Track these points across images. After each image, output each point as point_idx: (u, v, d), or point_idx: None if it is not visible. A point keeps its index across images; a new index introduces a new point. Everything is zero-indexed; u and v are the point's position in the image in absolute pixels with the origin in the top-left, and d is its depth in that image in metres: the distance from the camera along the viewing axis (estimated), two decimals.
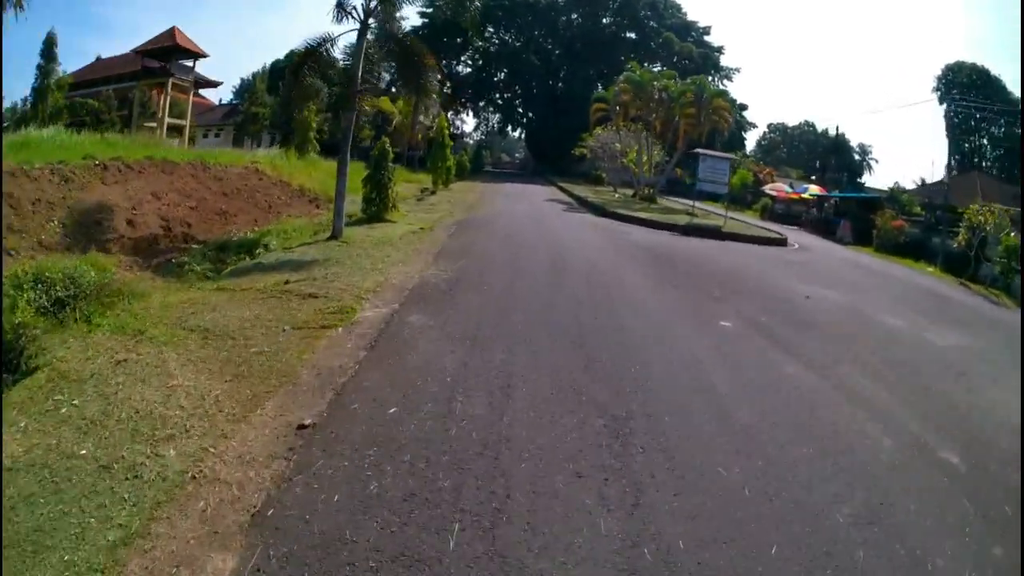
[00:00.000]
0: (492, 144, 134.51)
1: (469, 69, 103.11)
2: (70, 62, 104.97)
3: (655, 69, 60.58)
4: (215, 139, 71.81)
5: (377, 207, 24.09)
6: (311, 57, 19.31)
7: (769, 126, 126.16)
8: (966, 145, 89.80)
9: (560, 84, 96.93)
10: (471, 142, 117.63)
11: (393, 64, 20.61)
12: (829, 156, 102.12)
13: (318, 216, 24.92)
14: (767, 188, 59.58)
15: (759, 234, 31.72)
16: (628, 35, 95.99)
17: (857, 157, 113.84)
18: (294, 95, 20.82)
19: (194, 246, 18.72)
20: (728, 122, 48.66)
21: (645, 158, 51.81)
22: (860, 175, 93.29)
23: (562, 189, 55.60)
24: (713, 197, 43.59)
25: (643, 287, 15.10)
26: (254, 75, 78.61)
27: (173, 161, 22.77)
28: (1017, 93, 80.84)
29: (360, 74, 19.58)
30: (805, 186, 58.20)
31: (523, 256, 17.67)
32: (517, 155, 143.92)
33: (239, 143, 64.63)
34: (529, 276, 14.87)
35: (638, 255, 20.42)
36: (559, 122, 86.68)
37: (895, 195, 46.99)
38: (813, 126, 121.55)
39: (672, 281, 16.31)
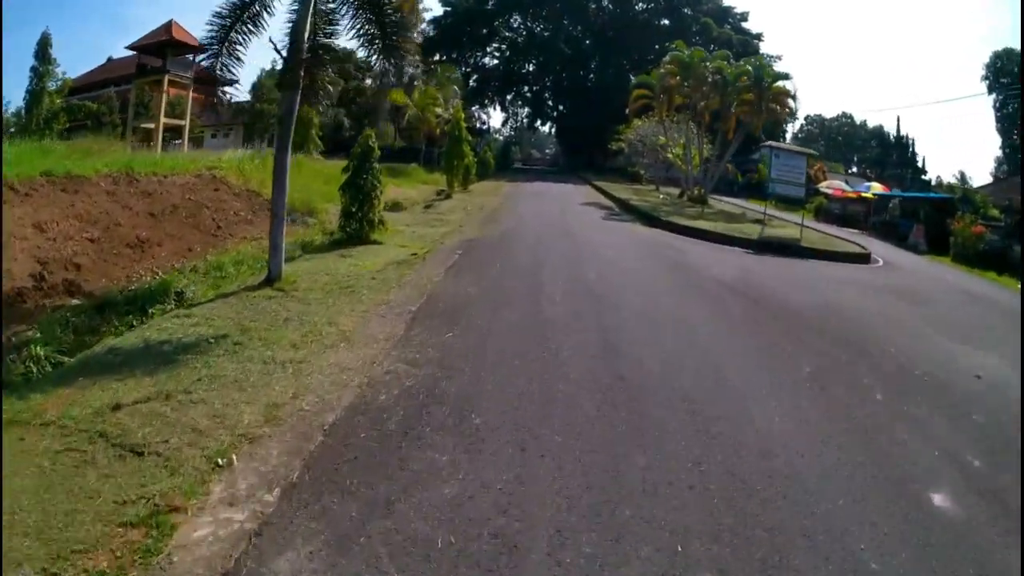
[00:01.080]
0: (522, 140, 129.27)
1: (496, 61, 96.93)
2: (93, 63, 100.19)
3: None
4: (224, 139, 65.64)
5: (358, 224, 17.92)
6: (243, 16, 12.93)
7: (806, 118, 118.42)
8: (1014, 136, 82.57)
9: (591, 75, 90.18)
10: (500, 138, 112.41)
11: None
12: (889, 151, 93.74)
13: (288, 235, 18.82)
14: (822, 186, 53.27)
15: (841, 248, 25.52)
16: (662, 22, 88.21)
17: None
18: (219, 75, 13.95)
19: (72, 302, 12.35)
20: (789, 110, 41.50)
21: (694, 152, 44.92)
22: (924, 172, 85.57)
23: (599, 189, 48.55)
24: (784, 199, 36.97)
25: (764, 387, 8.43)
26: (262, 70, 72.91)
27: (81, 176, 16.36)
28: None
29: (308, 35, 13.09)
30: (867, 184, 51.31)
31: (553, 314, 11.19)
32: (548, 151, 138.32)
33: (249, 142, 59.16)
34: (563, 370, 8.39)
35: (726, 299, 14.06)
36: (591, 115, 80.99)
37: (968, 195, 40.58)
38: (851, 118, 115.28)
39: (796, 360, 9.84)
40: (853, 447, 6.84)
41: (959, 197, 40.29)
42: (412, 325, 9.93)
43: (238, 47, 13.11)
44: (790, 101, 39.35)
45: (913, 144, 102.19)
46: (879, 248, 29.51)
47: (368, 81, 76.08)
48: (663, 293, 14.00)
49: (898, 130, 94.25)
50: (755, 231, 25.60)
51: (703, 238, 23.87)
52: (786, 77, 38.94)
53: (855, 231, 39.43)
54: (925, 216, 38.36)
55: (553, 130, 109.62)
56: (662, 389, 8.03)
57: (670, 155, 47.88)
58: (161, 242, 16.07)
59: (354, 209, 17.80)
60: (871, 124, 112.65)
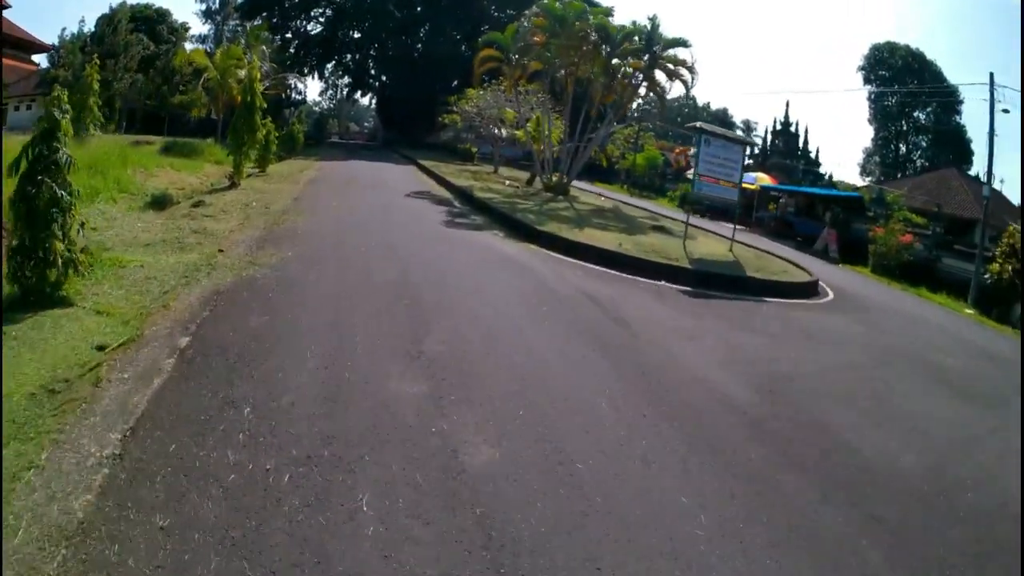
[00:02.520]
0: (340, 112, 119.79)
1: (320, 27, 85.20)
2: None
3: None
4: (27, 112, 53.26)
5: (38, 269, 8.12)
6: None
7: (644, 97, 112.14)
8: (892, 128, 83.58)
9: (419, 45, 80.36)
10: (317, 109, 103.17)
11: None
12: (775, 137, 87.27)
13: None
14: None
15: (789, 277, 18.07)
16: None
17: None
18: None
19: None
20: (686, 83, 33.17)
21: (553, 130, 35.91)
22: (819, 164, 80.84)
23: (428, 172, 38.20)
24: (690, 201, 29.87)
25: None
26: (63, 29, 62.04)
27: None
28: (951, 78, 78.68)
29: None
30: (752, 175, 44.24)
31: None
32: (367, 124, 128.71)
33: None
34: None
35: (804, 506, 5.57)
36: (417, 87, 72.81)
37: (881, 195, 35.26)
38: (693, 99, 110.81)
39: None
40: None
41: (873, 196, 34.81)
42: None
43: None
44: (685, 72, 30.91)
45: (807, 133, 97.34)
46: (797, 258, 24.07)
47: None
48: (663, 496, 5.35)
49: (786, 116, 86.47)
50: (673, 248, 17.80)
51: (611, 264, 15.40)
52: (684, 44, 30.42)
53: (740, 227, 33.27)
54: (833, 218, 33.07)
55: (374, 102, 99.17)
56: None
57: (519, 132, 39.04)
58: None
59: (27, 241, 8.10)
60: (714, 107, 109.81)
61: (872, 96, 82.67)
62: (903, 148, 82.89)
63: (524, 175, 40.78)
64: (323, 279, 10.69)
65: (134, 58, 54.38)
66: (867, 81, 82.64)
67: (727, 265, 17.24)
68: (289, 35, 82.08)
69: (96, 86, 30.11)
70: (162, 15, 66.39)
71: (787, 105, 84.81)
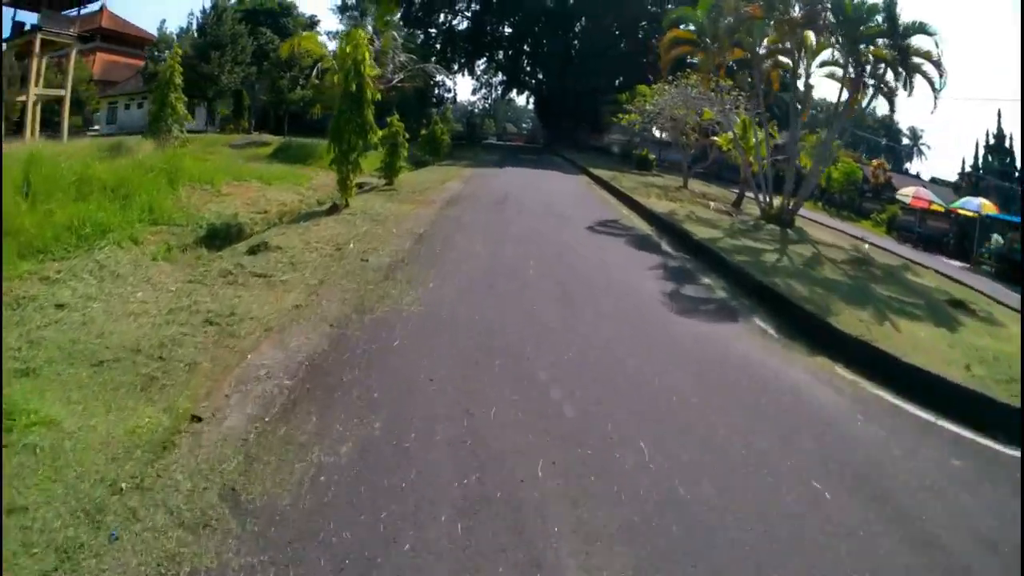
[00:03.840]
0: (497, 112, 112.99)
1: (467, 23, 79.05)
2: None
3: None
4: (138, 111, 51.37)
5: None
6: None
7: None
8: None
9: (576, 41, 73.37)
10: (472, 109, 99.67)
11: None
12: (988, 153, 72.80)
13: None
14: (905, 194, 39.14)
15: None
16: None
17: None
18: None
19: None
20: (932, 82, 22.25)
21: (761, 139, 26.61)
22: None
23: (604, 184, 29.88)
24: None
25: None
26: (162, 21, 59.42)
27: None
28: None
29: None
30: (975, 200, 34.44)
31: None
32: (525, 125, 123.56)
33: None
34: None
35: None
36: (575, 84, 66.43)
37: None
38: (859, 104, 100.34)
39: None
40: None
41: None
42: None
43: None
44: (930, 68, 21.99)
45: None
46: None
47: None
48: None
49: (999, 128, 70.10)
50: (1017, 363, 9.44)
51: (976, 424, 7.34)
52: (927, 31, 21.76)
53: (955, 262, 28.43)
54: None
55: (531, 101, 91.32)
56: None
57: (721, 139, 30.66)
58: None
59: None
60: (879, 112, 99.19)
61: None
62: None
63: (715, 190, 33.57)
64: None
65: (245, 50, 50.26)
66: None
67: None
68: (433, 30, 77.65)
69: (178, 80, 25.66)
70: (287, 8, 63.44)
71: (999, 115, 69.13)
